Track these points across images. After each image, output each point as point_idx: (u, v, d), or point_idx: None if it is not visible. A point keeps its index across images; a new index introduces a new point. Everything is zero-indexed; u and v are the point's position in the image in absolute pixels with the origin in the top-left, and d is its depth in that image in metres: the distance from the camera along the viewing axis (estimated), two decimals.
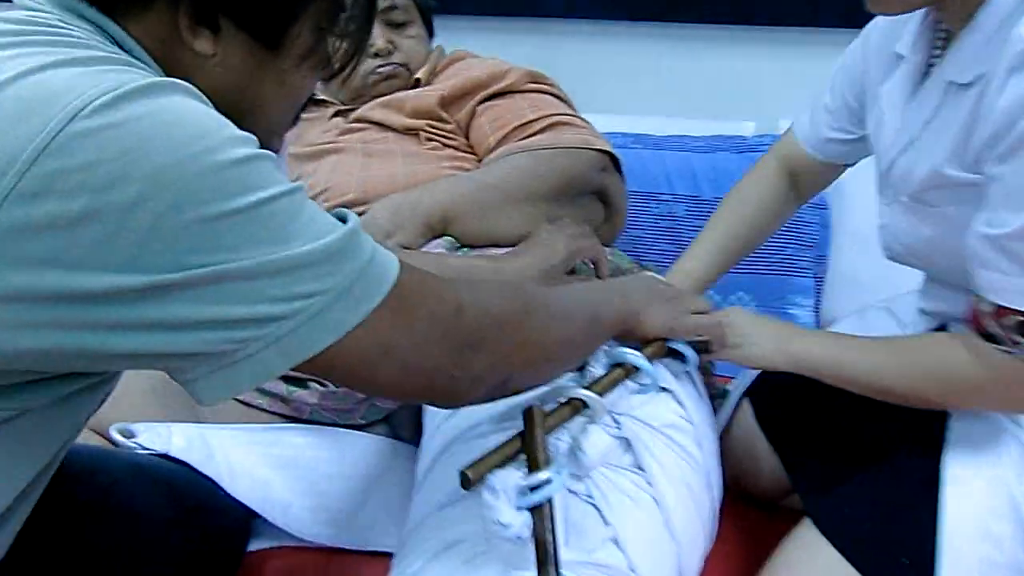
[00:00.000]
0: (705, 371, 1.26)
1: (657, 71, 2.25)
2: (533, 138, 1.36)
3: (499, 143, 1.39)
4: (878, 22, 1.16)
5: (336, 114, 1.55)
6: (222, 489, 1.08)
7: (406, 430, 1.28)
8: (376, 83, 1.50)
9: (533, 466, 0.81)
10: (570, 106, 1.47)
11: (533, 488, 0.79)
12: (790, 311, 1.78)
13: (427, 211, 1.26)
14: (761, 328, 1.10)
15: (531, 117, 1.39)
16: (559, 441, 0.92)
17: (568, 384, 0.92)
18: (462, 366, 0.75)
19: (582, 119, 1.44)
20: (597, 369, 0.99)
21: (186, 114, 0.60)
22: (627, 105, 2.20)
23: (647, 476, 0.96)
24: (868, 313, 1.35)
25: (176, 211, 0.57)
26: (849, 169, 1.87)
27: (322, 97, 1.58)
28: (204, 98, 0.64)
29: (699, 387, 1.16)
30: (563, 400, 0.91)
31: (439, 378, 0.75)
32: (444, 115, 1.43)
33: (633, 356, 0.98)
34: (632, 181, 1.83)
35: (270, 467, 1.15)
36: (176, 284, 0.58)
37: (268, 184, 0.61)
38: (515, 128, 1.38)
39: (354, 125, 1.48)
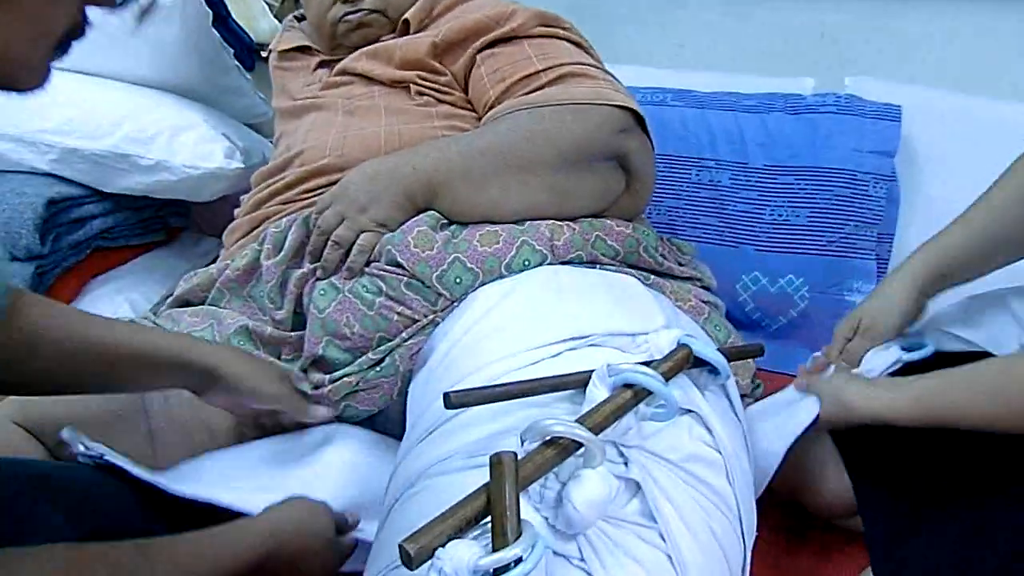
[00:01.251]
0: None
1: (702, 19, 2.02)
2: (539, 92, 1.13)
3: (500, 98, 1.16)
4: None
5: (321, 64, 1.35)
6: (167, 494, 0.91)
7: (396, 428, 1.10)
8: (346, 33, 1.30)
9: (498, 539, 0.62)
10: (589, 54, 1.24)
11: (497, 571, 0.60)
12: (848, 298, 1.56)
13: (407, 180, 1.06)
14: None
15: (538, 67, 1.15)
16: (545, 489, 0.72)
17: (555, 418, 0.71)
18: None
19: (602, 69, 1.20)
20: (599, 391, 0.79)
21: None
22: (667, 57, 1.98)
23: (660, 527, 0.76)
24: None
25: None
26: (922, 134, 1.69)
27: (306, 44, 1.38)
28: None
29: (735, 403, 0.96)
30: (548, 439, 0.71)
31: None
32: (437, 65, 1.21)
33: (645, 376, 0.78)
34: (671, 144, 1.65)
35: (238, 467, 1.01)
36: None
37: None
38: (519, 80, 1.15)
39: (338, 78, 1.28)
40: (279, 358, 1.06)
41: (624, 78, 1.25)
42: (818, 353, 1.14)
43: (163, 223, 1.69)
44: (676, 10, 2.03)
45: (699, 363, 0.89)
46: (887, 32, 1.92)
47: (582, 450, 0.72)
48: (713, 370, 0.90)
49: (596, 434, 0.72)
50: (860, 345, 1.08)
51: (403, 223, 1.05)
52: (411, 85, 1.21)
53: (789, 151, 1.60)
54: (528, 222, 1.07)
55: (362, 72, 1.25)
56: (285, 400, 0.98)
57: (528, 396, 0.80)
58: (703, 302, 1.12)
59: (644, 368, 0.79)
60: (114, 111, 1.45)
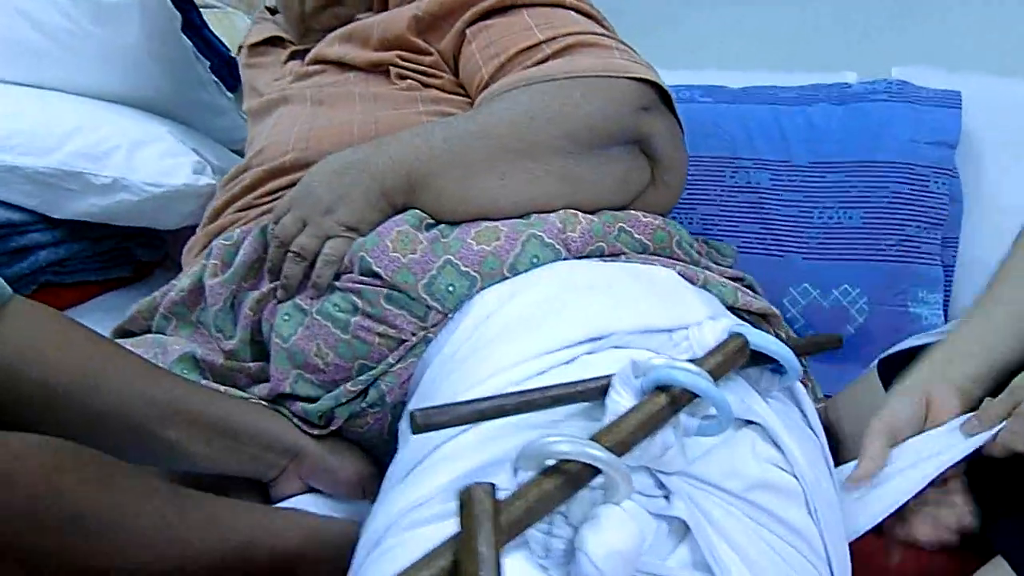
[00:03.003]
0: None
1: (722, 21, 1.88)
2: (541, 66, 0.94)
3: (494, 76, 0.97)
4: None
5: (292, 56, 1.19)
6: None
7: None
8: (315, 13, 1.13)
9: None
10: (602, 25, 1.04)
11: None
12: (913, 309, 1.36)
13: (382, 173, 0.87)
14: None
15: (540, 38, 0.96)
16: (552, 537, 0.52)
17: (561, 434, 0.52)
18: None
19: (617, 40, 1.01)
20: (623, 399, 0.59)
21: None
22: (696, 58, 1.82)
23: None
24: None
25: None
26: (982, 126, 1.51)
27: (277, 35, 1.22)
28: None
29: (808, 413, 0.76)
30: (551, 464, 0.51)
31: None
32: (421, 43, 1.03)
33: (686, 374, 0.58)
34: (702, 144, 1.46)
35: None
36: None
37: None
38: (516, 54, 0.96)
39: (310, 68, 1.11)
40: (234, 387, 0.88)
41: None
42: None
43: (130, 257, 1.50)
44: (692, 12, 1.88)
45: (757, 360, 0.69)
46: (933, 21, 1.76)
47: (600, 479, 0.52)
48: (777, 369, 0.70)
49: (619, 455, 0.52)
50: None
51: (379, 225, 0.86)
52: (391, 68, 1.03)
53: (837, 145, 1.42)
54: (535, 215, 0.88)
55: (335, 58, 1.08)
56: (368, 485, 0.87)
57: (526, 412, 0.60)
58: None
59: (684, 364, 0.59)
60: (63, 124, 1.26)
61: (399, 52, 1.03)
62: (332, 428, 0.87)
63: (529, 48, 0.96)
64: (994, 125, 1.49)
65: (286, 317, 0.85)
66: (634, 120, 0.93)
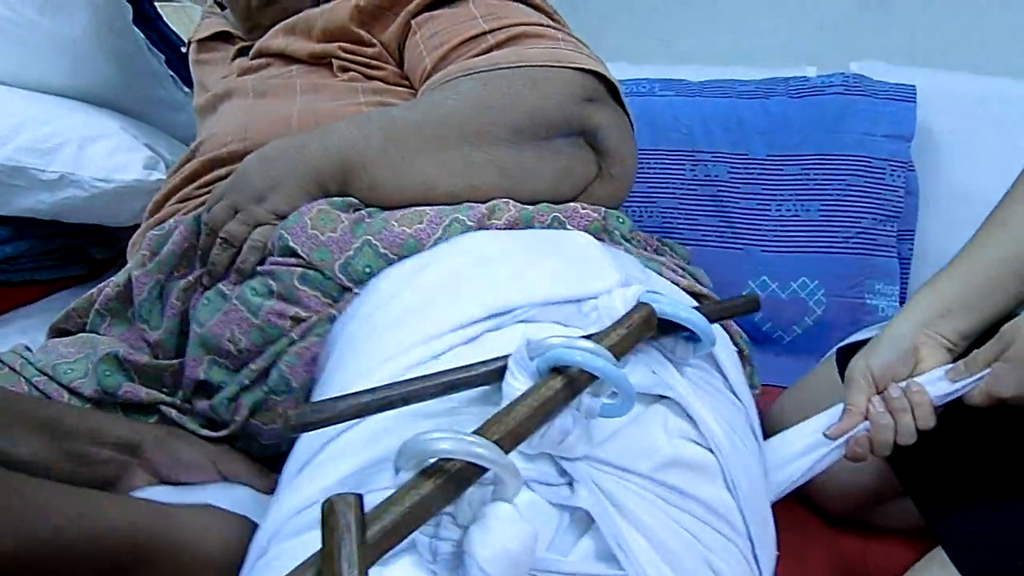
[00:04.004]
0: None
1: (690, 13, 1.85)
2: (484, 56, 0.92)
3: (437, 66, 0.95)
4: None
5: (240, 52, 1.17)
6: None
7: None
8: (260, 8, 1.11)
9: None
10: (551, 17, 1.03)
11: None
12: (871, 301, 1.37)
13: (315, 161, 0.85)
14: None
15: (483, 29, 0.95)
16: (439, 540, 0.48)
17: (443, 430, 0.47)
18: None
19: (565, 32, 0.99)
20: (519, 383, 0.56)
21: None
22: (651, 56, 1.81)
23: (629, 572, 0.53)
24: None
25: None
26: (937, 120, 1.52)
27: (226, 30, 1.20)
28: None
29: (730, 376, 0.73)
30: (431, 462, 0.47)
31: None
32: (364, 35, 1.01)
33: (581, 353, 0.55)
34: (661, 137, 1.47)
35: None
36: None
37: None
38: (459, 44, 0.95)
39: (255, 62, 1.09)
40: (161, 391, 0.86)
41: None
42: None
43: (84, 254, 1.47)
44: (652, 6, 1.88)
45: (671, 329, 0.66)
46: (891, 16, 1.77)
47: (487, 477, 0.49)
48: (692, 337, 0.67)
49: (512, 445, 0.50)
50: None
51: None
52: (333, 60, 1.01)
53: (794, 138, 1.43)
54: (466, 202, 0.85)
55: (278, 50, 1.06)
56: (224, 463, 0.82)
57: (414, 402, 0.56)
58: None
59: (581, 341, 0.56)
60: (8, 119, 1.23)
61: (341, 44, 1.01)
62: (238, 422, 0.83)
63: (473, 38, 0.95)
64: (949, 119, 1.51)
65: (206, 302, 0.83)
66: (578, 111, 0.91)
